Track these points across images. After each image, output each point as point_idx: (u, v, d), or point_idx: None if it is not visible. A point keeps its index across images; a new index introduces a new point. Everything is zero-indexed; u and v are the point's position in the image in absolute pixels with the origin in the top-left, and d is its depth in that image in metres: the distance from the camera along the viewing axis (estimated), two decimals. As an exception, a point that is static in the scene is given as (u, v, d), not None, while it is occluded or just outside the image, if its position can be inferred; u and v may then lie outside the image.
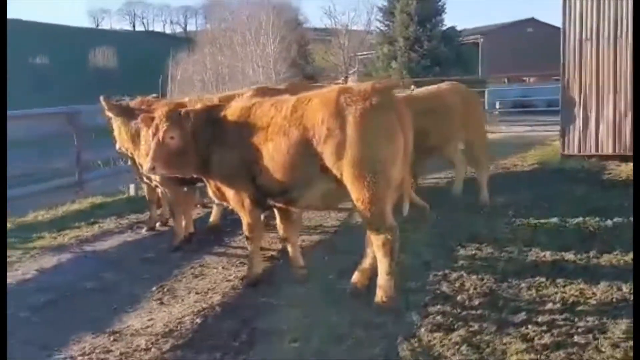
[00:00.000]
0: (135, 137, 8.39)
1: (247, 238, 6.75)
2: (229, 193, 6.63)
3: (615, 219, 8.50)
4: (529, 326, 5.29)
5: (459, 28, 39.72)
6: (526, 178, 13.03)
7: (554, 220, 8.75)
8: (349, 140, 5.61)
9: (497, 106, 30.24)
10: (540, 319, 5.47)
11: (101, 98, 8.67)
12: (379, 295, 5.80)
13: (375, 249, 5.78)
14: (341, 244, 8.23)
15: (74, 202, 12.10)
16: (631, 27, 13.25)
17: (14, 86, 43.10)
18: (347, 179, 5.68)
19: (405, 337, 5.20)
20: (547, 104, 27.66)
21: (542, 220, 8.78)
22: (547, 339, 5.01)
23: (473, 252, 7.50)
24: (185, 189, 8.40)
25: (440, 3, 37.52)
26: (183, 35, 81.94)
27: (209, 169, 6.69)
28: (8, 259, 8.36)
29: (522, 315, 5.53)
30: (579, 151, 14.23)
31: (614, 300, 5.75)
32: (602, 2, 13.68)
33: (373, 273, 6.14)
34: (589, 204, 9.67)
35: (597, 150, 14.01)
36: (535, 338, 5.05)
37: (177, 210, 8.46)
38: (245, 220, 6.61)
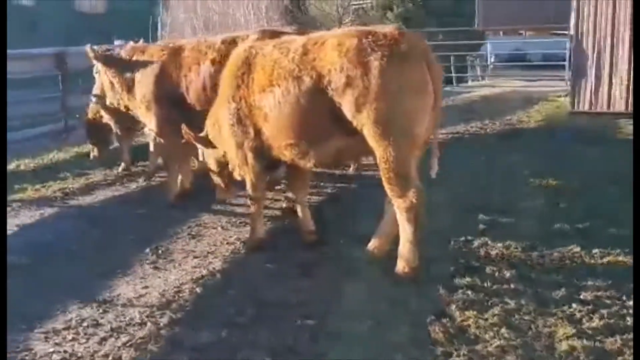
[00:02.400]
0: (130, 87, 7.59)
1: (250, 198, 6.06)
2: (231, 150, 5.91)
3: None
4: (573, 305, 4.67)
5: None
6: (536, 137, 12.35)
7: (575, 184, 8.13)
8: (372, 91, 4.88)
9: (493, 60, 29.69)
10: (582, 295, 4.84)
11: (87, 47, 7.84)
12: (400, 265, 5.16)
13: (399, 213, 5.09)
14: (349, 205, 7.59)
15: (60, 150, 11.34)
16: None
17: (-2, 28, 42.29)
18: (369, 136, 4.98)
19: (435, 315, 4.56)
20: (543, 58, 27.66)
21: (560, 182, 8.17)
22: (597, 321, 4.39)
23: (493, 217, 6.82)
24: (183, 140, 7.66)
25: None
26: (173, -19, 79.58)
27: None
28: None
29: (561, 292, 4.90)
30: (590, 108, 13.58)
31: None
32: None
33: (392, 239, 5.50)
34: (608, 166, 9.04)
35: (609, 107, 13.37)
36: (584, 320, 4.43)
37: (172, 164, 7.72)
38: (248, 178, 5.91)
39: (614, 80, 13.23)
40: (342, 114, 5.05)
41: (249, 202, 6.16)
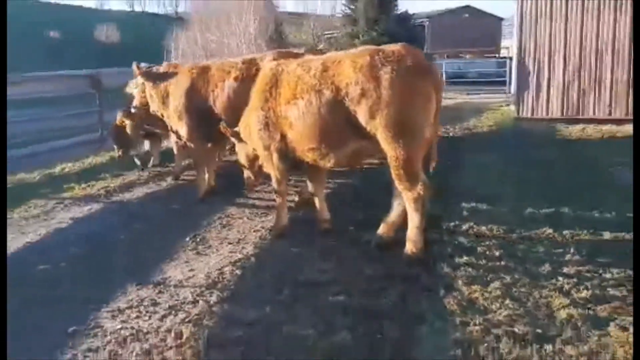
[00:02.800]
0: (165, 99, 7.29)
1: (275, 192, 5.80)
2: (260, 150, 5.66)
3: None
4: (559, 278, 4.49)
5: (410, 12, 38.57)
6: (491, 138, 12.25)
7: (533, 175, 8.01)
8: (384, 101, 4.66)
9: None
10: (565, 270, 4.67)
11: (134, 64, 7.53)
12: (409, 247, 4.94)
13: (407, 203, 4.88)
14: (350, 196, 7.35)
15: (97, 155, 10.93)
16: (580, 5, 12.48)
17: (32, 55, 41.53)
18: (382, 139, 4.76)
19: (445, 290, 4.34)
20: (479, 76, 28.71)
21: (523, 174, 8.04)
22: (584, 292, 4.21)
23: (472, 205, 6.61)
24: (209, 145, 7.35)
25: (395, -10, 36.36)
26: (174, 15, 79.15)
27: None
28: (42, 209, 7.32)
29: (547, 267, 4.72)
30: (532, 115, 13.51)
31: (627, 252, 4.89)
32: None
33: (398, 226, 5.28)
34: (558, 159, 8.95)
35: (547, 114, 13.30)
36: (572, 291, 4.25)
37: (200, 165, 7.41)
38: (273, 174, 5.66)
39: (551, 91, 13.17)
40: (357, 121, 4.83)
41: (274, 195, 5.87)
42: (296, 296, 4.37)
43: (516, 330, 3.70)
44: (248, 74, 6.78)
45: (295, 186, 7.37)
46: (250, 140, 5.84)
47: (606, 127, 12.12)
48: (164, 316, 4.15)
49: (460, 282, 4.47)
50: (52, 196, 8.01)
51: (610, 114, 12.74)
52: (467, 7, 46.59)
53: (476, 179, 8.04)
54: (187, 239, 5.85)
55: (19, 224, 6.65)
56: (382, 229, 5.33)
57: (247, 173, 6.47)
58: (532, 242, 5.37)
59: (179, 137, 7.52)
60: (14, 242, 5.94)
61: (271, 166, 5.60)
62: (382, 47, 5.01)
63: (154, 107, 7.54)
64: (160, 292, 4.59)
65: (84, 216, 6.98)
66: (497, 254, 5.07)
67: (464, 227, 5.80)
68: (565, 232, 5.54)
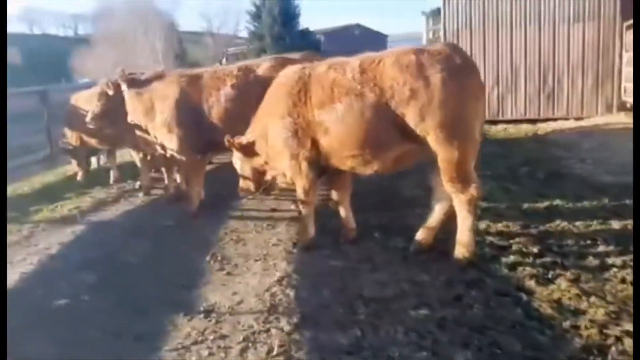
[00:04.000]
0: (149, 110, 6.25)
1: (301, 202, 4.99)
2: (284, 159, 4.88)
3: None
4: (613, 269, 4.11)
5: (311, 29, 38.53)
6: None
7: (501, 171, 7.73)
8: (436, 101, 4.09)
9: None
10: (611, 261, 4.28)
11: (118, 70, 6.44)
12: (461, 251, 4.38)
13: (460, 206, 4.31)
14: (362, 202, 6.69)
15: (49, 174, 9.53)
16: (495, 18, 12.66)
17: None
18: (433, 140, 4.17)
19: (522, 292, 3.84)
20: None
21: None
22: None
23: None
24: (199, 157, 6.41)
25: (297, 9, 36.18)
26: (74, 37, 74.80)
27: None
28: (20, 234, 6.12)
29: (591, 260, 4.33)
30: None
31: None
32: (472, 1, 12.91)
33: (437, 232, 4.72)
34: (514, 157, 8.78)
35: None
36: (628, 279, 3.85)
37: (193, 177, 6.44)
38: (300, 184, 4.87)
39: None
40: (405, 123, 4.22)
41: (300, 205, 5.09)
42: (376, 314, 3.69)
43: (628, 328, 3.26)
44: (245, 81, 5.98)
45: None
46: (268, 150, 5.05)
47: (524, 126, 12.35)
48: (243, 350, 3.35)
49: (527, 282, 3.99)
50: (21, 220, 6.73)
51: (525, 114, 13.00)
52: (357, 24, 47.58)
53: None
54: (207, 258, 4.97)
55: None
56: (421, 234, 4.75)
57: (247, 184, 5.61)
58: (556, 236, 5.01)
59: (164, 149, 6.50)
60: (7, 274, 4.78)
61: (299, 176, 4.84)
62: (424, 46, 4.44)
63: (135, 117, 6.46)
64: (217, 322, 3.75)
65: (72, 240, 5.88)
66: (535, 250, 4.63)
67: (482, 225, 5.33)
68: (577, 223, 5.23)
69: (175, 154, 6.30)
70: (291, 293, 4.12)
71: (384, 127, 4.31)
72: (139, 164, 7.86)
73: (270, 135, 4.93)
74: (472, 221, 4.33)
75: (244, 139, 5.29)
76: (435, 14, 17.73)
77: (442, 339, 3.29)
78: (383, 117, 4.28)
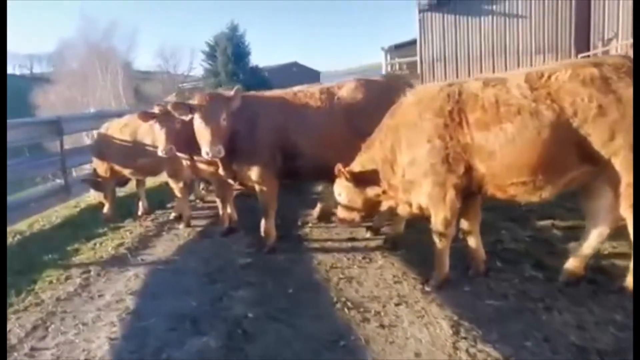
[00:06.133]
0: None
1: (439, 234, 3.73)
2: (426, 187, 3.63)
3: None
4: None
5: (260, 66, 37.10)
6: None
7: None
8: (628, 119, 3.05)
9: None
10: None
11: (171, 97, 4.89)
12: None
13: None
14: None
15: (65, 206, 7.63)
16: (466, 51, 12.09)
17: None
18: (622, 163, 3.12)
19: None
20: None
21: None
22: None
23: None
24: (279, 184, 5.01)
25: (247, 48, 34.70)
26: (30, 75, 69.65)
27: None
28: (72, 283, 4.48)
29: None
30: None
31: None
32: (446, 34, 12.27)
33: (590, 258, 3.66)
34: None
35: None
36: None
37: (271, 208, 4.93)
38: (442, 214, 3.63)
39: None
40: (588, 144, 3.15)
41: (435, 237, 3.77)
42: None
43: None
44: (330, 104, 4.70)
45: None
46: (396, 177, 3.80)
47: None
48: None
49: None
50: (63, 264, 5.02)
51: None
52: (295, 63, 47.22)
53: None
54: (336, 305, 3.61)
55: (64, 309, 3.81)
56: (573, 263, 3.67)
57: (351, 215, 4.30)
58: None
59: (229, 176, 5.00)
60: (88, 344, 3.23)
61: (441, 205, 3.61)
62: (600, 57, 3.40)
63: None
64: None
65: (143, 287, 4.29)
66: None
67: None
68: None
69: (256, 182, 4.82)
70: (486, 348, 2.89)
71: (563, 149, 3.21)
72: (178, 193, 6.29)
73: (405, 161, 3.69)
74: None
75: (356, 167, 4.02)
76: (392, 49, 17.00)
77: None
78: (563, 138, 3.19)
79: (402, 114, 3.75)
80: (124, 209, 7.26)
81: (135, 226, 6.42)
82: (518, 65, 11.85)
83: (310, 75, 45.79)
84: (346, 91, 4.79)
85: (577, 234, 4.41)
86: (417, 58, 12.52)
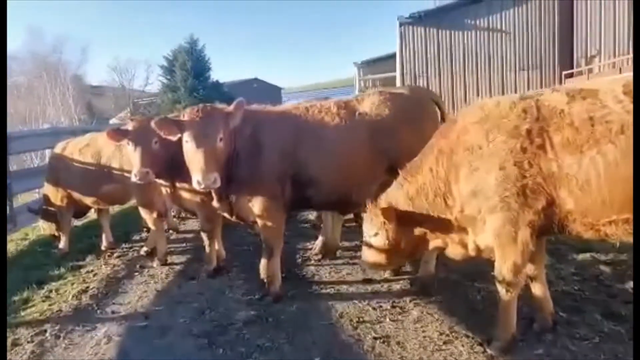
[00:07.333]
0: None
1: (507, 283, 2.95)
2: (491, 225, 2.88)
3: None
4: None
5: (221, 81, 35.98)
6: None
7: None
8: None
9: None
10: None
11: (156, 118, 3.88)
12: None
13: None
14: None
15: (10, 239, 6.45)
16: (449, 66, 11.72)
17: None
18: None
19: None
20: None
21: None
22: None
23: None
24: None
25: (208, 63, 33.64)
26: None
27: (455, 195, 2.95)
28: (20, 348, 3.41)
29: None
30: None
31: None
32: (428, 47, 11.86)
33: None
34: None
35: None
36: None
37: (277, 245, 4.03)
38: (510, 260, 2.87)
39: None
40: None
41: (499, 286, 3.02)
42: None
43: None
44: (350, 121, 3.93)
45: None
46: (451, 212, 3.05)
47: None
48: None
49: None
50: (10, 321, 3.95)
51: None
52: (256, 78, 46.70)
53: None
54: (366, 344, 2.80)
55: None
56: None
57: (379, 258, 3.48)
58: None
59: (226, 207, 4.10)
60: None
61: (512, 247, 2.85)
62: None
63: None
64: None
65: (123, 352, 3.31)
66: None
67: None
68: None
69: (258, 217, 3.93)
70: None
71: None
72: (152, 225, 5.32)
73: (465, 192, 2.93)
74: None
75: (395, 199, 3.24)
76: (365, 65, 16.54)
77: None
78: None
79: (460, 135, 3.01)
80: (83, 243, 6.20)
81: (99, 265, 5.37)
82: (502, 82, 11.58)
83: (270, 91, 45.18)
84: (369, 106, 4.02)
85: (624, 270, 3.89)
86: (397, 73, 12.01)
